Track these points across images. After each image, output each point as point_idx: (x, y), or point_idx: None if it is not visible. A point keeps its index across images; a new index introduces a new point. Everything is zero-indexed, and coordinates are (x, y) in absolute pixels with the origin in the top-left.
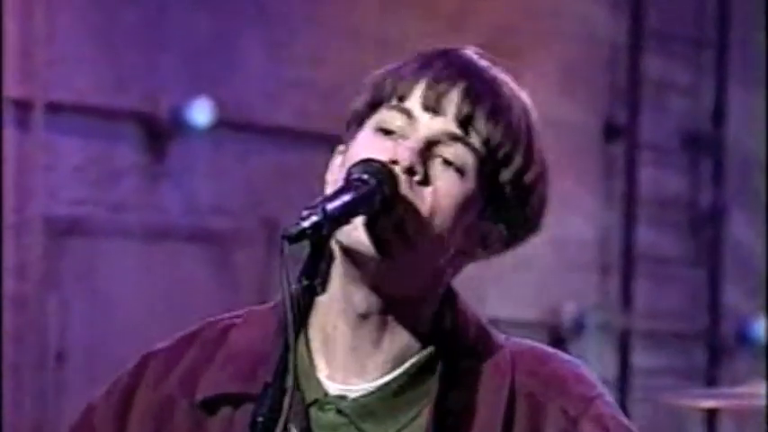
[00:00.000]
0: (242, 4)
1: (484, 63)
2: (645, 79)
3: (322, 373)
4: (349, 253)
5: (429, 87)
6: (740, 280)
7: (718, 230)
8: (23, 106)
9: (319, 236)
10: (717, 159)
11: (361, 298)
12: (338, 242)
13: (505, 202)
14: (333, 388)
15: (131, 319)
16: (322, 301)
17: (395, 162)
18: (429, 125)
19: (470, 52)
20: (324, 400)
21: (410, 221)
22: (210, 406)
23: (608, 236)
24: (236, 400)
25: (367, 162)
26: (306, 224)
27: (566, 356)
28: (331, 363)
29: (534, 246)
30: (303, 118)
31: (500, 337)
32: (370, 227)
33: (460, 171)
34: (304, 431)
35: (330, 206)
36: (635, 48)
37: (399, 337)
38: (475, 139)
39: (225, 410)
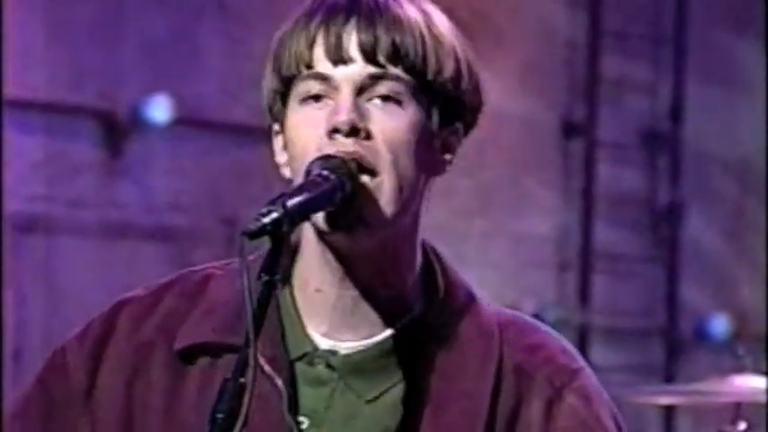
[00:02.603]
0: (200, 0)
1: None
2: (603, 77)
3: (311, 327)
4: (323, 238)
5: (326, 41)
6: (698, 277)
7: (676, 227)
8: None
9: (279, 232)
10: (675, 156)
11: (341, 264)
12: (313, 225)
13: (448, 101)
14: (323, 343)
15: (89, 316)
16: (303, 258)
17: (336, 131)
18: (346, 78)
19: None
20: (313, 354)
21: (371, 206)
22: (189, 356)
23: (566, 233)
24: (215, 351)
25: (327, 158)
26: (266, 220)
27: (548, 328)
28: (319, 319)
29: (493, 242)
30: (262, 115)
31: (485, 303)
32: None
33: (397, 101)
34: (287, 383)
35: (290, 202)
36: (593, 45)
37: (388, 292)
38: (392, 67)
39: (204, 361)
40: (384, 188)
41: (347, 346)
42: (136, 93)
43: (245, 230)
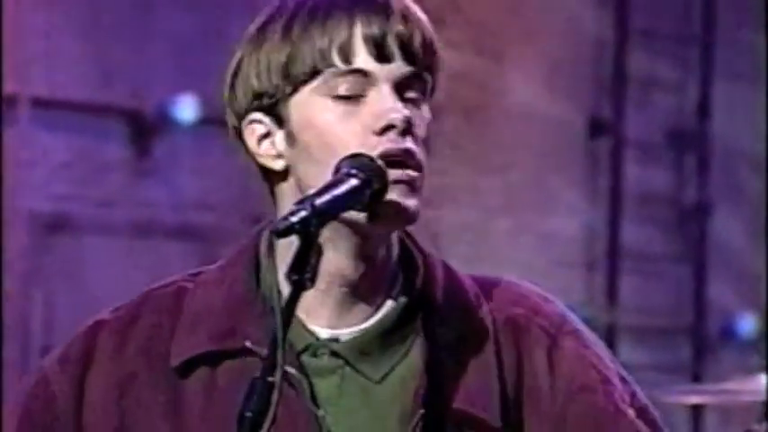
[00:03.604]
0: (228, 0)
1: None
2: (630, 75)
3: (307, 321)
4: (375, 229)
5: (370, 36)
6: (726, 275)
7: (704, 226)
8: (8, 102)
9: (308, 231)
10: (702, 155)
11: (354, 267)
12: (375, 218)
13: (433, 87)
14: (323, 333)
15: None
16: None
17: (390, 128)
18: (387, 76)
19: None
20: (316, 344)
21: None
22: (185, 369)
23: (593, 232)
24: (214, 359)
25: (356, 157)
26: (294, 219)
27: (517, 279)
28: (317, 313)
29: (519, 241)
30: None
31: (456, 269)
32: None
33: (418, 101)
34: (299, 371)
35: (318, 201)
36: (620, 44)
37: (379, 280)
38: (421, 68)
39: (202, 371)
40: (422, 183)
41: (348, 332)
42: (163, 92)
43: (273, 229)
